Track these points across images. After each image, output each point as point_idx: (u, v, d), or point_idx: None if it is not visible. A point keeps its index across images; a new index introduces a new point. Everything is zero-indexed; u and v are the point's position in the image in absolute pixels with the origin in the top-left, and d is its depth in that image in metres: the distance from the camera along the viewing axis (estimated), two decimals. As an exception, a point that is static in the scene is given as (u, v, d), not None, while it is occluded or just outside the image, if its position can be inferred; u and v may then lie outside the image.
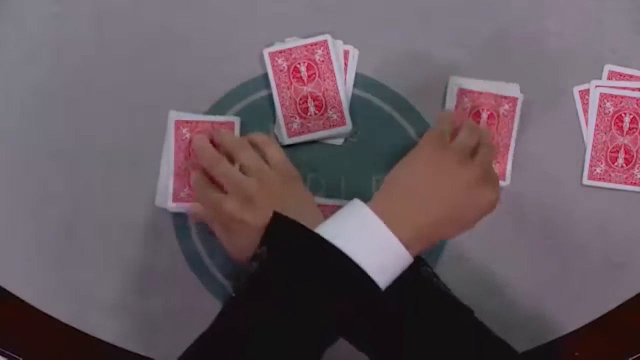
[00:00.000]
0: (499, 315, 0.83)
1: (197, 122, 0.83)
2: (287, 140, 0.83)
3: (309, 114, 0.84)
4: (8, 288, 0.83)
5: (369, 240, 0.61)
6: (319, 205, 0.82)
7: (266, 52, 0.83)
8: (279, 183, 0.73)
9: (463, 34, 0.85)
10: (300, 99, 0.84)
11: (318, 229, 0.63)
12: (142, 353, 0.83)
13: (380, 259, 0.61)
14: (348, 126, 0.83)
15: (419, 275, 0.66)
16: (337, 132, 0.83)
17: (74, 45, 0.84)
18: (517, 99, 0.83)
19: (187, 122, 0.83)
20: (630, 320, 0.84)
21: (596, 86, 0.84)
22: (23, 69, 0.84)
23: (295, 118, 0.83)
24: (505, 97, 0.84)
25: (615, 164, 0.84)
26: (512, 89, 0.84)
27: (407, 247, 0.62)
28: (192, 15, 0.85)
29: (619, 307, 0.84)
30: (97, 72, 0.84)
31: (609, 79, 0.84)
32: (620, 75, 0.84)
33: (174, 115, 0.83)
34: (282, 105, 0.84)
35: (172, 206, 0.82)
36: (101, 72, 0.84)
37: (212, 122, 0.83)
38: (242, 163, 0.75)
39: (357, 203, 0.65)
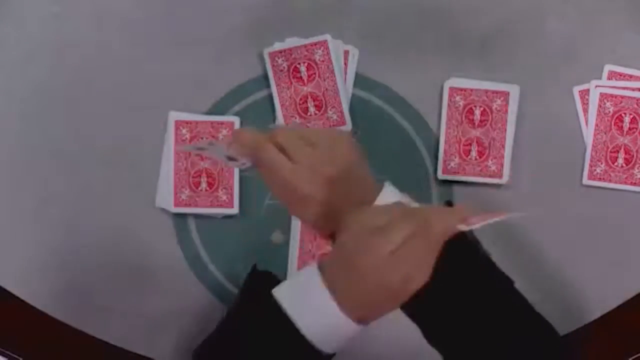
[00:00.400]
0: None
1: (197, 122, 0.83)
2: None
3: (309, 113, 0.84)
4: (8, 288, 0.83)
5: (320, 317, 0.62)
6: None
7: (266, 52, 0.83)
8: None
9: (463, 34, 0.85)
10: (300, 99, 0.84)
11: (278, 291, 0.64)
12: (142, 353, 0.83)
13: (328, 331, 0.62)
14: (348, 126, 0.83)
15: (465, 239, 0.66)
16: (337, 132, 0.84)
17: (74, 45, 0.84)
18: (508, 93, 0.83)
19: (187, 122, 0.83)
20: (630, 320, 0.84)
21: (596, 86, 0.84)
22: (23, 69, 0.84)
23: (296, 118, 0.84)
24: (497, 92, 0.84)
25: (615, 164, 0.84)
26: (504, 84, 0.84)
27: (359, 318, 0.62)
28: (192, 15, 0.85)
29: (619, 307, 0.84)
30: (97, 72, 0.84)
31: (609, 79, 0.84)
32: (620, 75, 0.84)
33: (174, 116, 0.83)
34: (282, 105, 0.84)
35: (174, 209, 0.83)
36: (101, 72, 0.84)
37: (212, 122, 0.83)
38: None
39: (313, 272, 0.65)
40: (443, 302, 0.65)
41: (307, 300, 0.63)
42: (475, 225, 0.62)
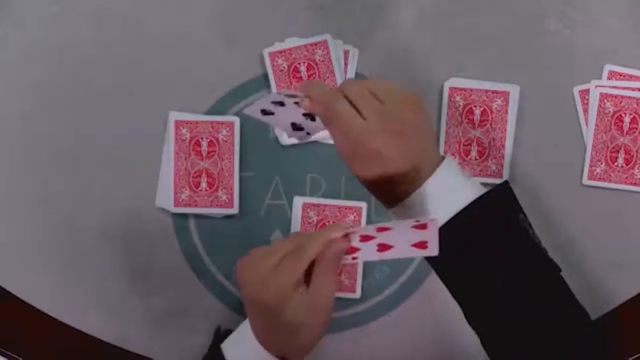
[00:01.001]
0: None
1: (197, 122, 0.83)
2: (287, 141, 0.83)
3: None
4: (8, 288, 0.83)
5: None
6: (319, 205, 0.82)
7: (266, 52, 0.83)
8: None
9: (463, 34, 0.85)
10: None
11: (224, 343, 0.70)
12: (142, 353, 0.83)
13: None
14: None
15: (516, 223, 0.67)
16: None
17: (74, 45, 0.84)
18: (509, 93, 0.83)
19: (187, 122, 0.83)
20: (630, 321, 0.84)
21: (596, 86, 0.84)
22: (23, 69, 0.84)
23: None
24: (497, 92, 0.84)
25: (615, 163, 0.84)
26: (505, 84, 0.84)
27: (281, 355, 0.67)
28: (192, 16, 0.85)
29: (618, 307, 0.84)
30: (97, 72, 0.84)
31: (609, 79, 0.84)
32: (620, 75, 0.84)
33: (174, 116, 0.83)
34: None
35: (174, 209, 0.83)
36: (101, 72, 0.84)
37: (212, 122, 0.83)
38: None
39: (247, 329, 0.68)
40: (486, 284, 0.66)
41: (242, 349, 0.68)
42: (355, 241, 0.63)
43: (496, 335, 0.67)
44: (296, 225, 0.84)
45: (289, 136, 0.73)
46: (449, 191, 0.65)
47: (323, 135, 0.83)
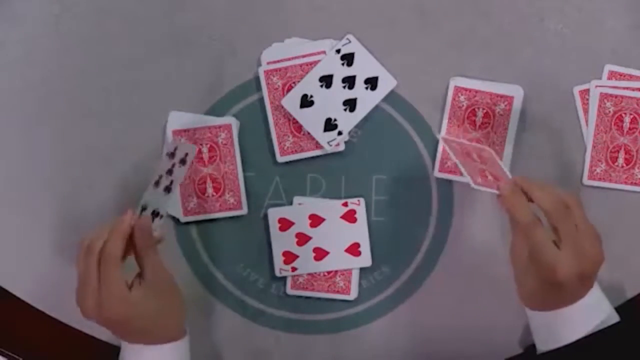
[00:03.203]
0: (495, 315, 0.83)
1: (195, 129, 0.82)
2: (280, 159, 0.83)
3: (302, 132, 0.83)
4: (8, 288, 0.83)
5: None
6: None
7: (261, 71, 0.83)
8: None
9: (463, 34, 0.85)
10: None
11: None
12: (142, 353, 0.83)
13: None
14: (341, 146, 0.84)
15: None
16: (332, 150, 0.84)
17: (74, 45, 0.84)
18: (513, 97, 0.83)
19: (184, 130, 0.83)
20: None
21: (596, 86, 0.84)
22: (23, 69, 0.84)
23: (289, 137, 0.83)
24: (502, 96, 0.84)
25: (616, 164, 0.84)
26: (509, 88, 0.84)
27: None
28: (192, 16, 0.85)
29: (618, 307, 0.83)
30: (97, 72, 0.84)
31: (609, 79, 0.84)
32: (621, 75, 0.84)
33: (174, 116, 0.83)
34: (275, 124, 0.83)
35: (184, 218, 0.83)
36: (101, 72, 0.84)
37: (209, 127, 0.83)
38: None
39: None
40: None
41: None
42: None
43: None
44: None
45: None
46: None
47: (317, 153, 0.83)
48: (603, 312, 0.74)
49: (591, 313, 0.73)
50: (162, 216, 0.74)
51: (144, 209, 0.73)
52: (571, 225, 0.71)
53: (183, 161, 0.75)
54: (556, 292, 0.71)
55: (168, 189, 0.74)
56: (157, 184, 0.74)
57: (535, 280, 0.72)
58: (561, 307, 0.72)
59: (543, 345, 0.75)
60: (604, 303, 0.75)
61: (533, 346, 0.78)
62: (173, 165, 0.74)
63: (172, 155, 0.75)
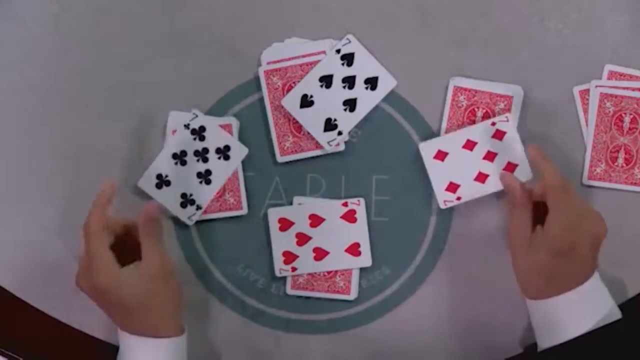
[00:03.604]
0: (495, 316, 0.83)
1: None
2: (280, 159, 0.83)
3: (302, 132, 0.83)
4: (8, 288, 0.83)
5: None
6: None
7: (261, 71, 0.83)
8: None
9: (463, 34, 0.85)
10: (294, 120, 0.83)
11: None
12: (142, 353, 0.83)
13: None
14: (341, 146, 0.84)
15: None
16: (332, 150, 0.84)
17: (74, 45, 0.84)
18: (512, 97, 0.83)
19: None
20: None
21: (596, 86, 0.84)
22: (23, 69, 0.84)
23: (289, 137, 0.83)
24: (501, 96, 0.84)
25: (616, 164, 0.84)
26: (509, 88, 0.84)
27: None
28: (192, 16, 0.85)
29: (619, 306, 0.83)
30: (97, 72, 0.84)
31: (609, 79, 0.84)
32: (621, 75, 0.84)
33: (174, 116, 0.83)
34: (275, 124, 0.83)
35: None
36: (101, 72, 0.84)
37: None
38: None
39: None
40: None
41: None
42: None
43: None
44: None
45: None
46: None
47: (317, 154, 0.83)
48: (605, 304, 0.74)
49: (594, 300, 0.74)
50: (199, 207, 0.77)
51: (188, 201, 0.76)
52: (577, 197, 0.74)
53: (226, 157, 0.75)
54: (567, 263, 0.72)
55: (208, 181, 0.75)
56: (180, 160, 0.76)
57: (545, 254, 0.72)
58: (565, 291, 0.72)
59: (544, 340, 0.75)
60: (606, 294, 0.75)
61: (533, 346, 0.78)
62: (206, 152, 0.75)
63: (199, 135, 0.75)
